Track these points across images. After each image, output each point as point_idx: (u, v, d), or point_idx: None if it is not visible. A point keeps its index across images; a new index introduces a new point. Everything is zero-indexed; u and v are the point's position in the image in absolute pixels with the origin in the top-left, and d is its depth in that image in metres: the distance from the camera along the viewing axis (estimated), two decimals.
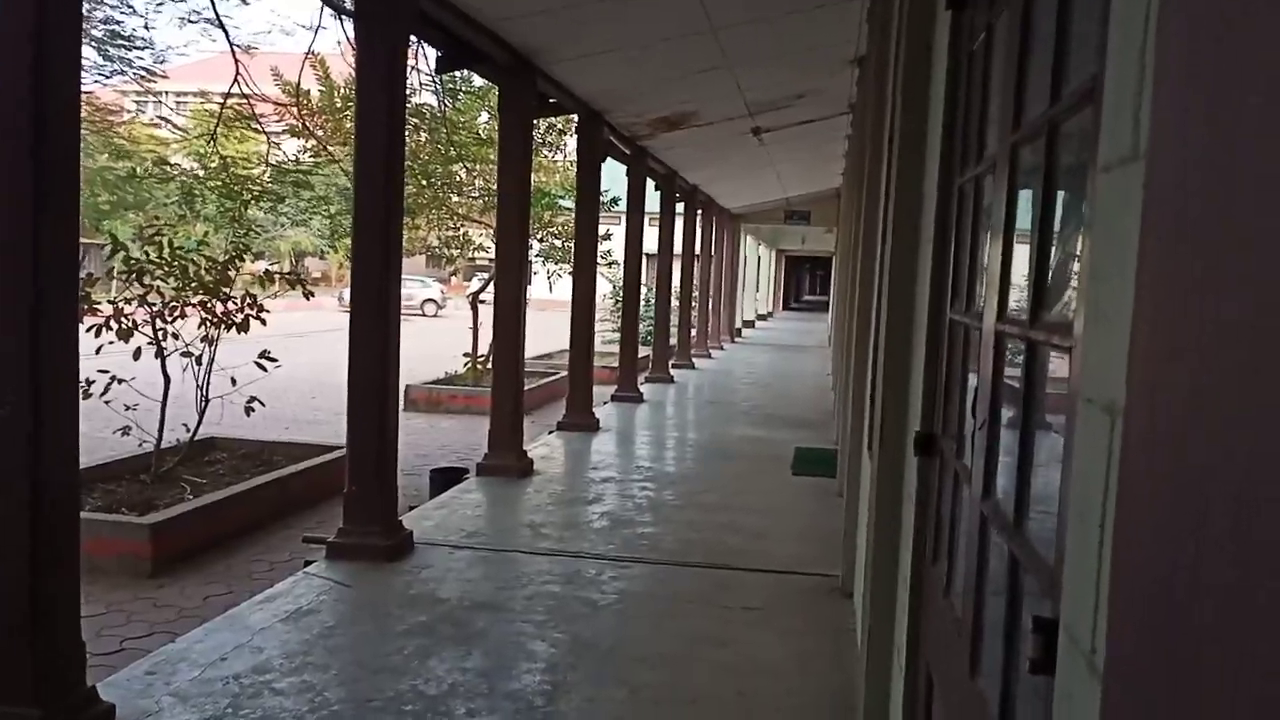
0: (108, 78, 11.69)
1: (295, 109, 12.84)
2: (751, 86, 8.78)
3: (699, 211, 17.78)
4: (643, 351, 14.37)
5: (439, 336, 20.48)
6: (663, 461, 8.96)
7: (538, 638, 4.29)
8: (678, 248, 15.73)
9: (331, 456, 7.78)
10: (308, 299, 8.76)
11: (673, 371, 14.98)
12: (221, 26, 8.32)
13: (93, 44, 11.58)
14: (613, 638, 4.35)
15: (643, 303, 15.76)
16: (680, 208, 15.86)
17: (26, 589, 3.17)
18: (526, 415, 8.33)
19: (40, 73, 3.09)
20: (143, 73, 11.63)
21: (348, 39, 9.33)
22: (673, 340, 16.14)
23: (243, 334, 7.49)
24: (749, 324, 29.72)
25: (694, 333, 18.44)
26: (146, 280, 7.13)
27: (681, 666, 4.05)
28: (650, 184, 13.02)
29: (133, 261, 7.10)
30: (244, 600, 4.65)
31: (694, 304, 18.77)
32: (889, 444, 3.32)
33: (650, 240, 13.70)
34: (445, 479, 7.38)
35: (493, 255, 8.25)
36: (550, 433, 9.58)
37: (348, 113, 12.30)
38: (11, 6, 3.10)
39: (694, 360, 17.17)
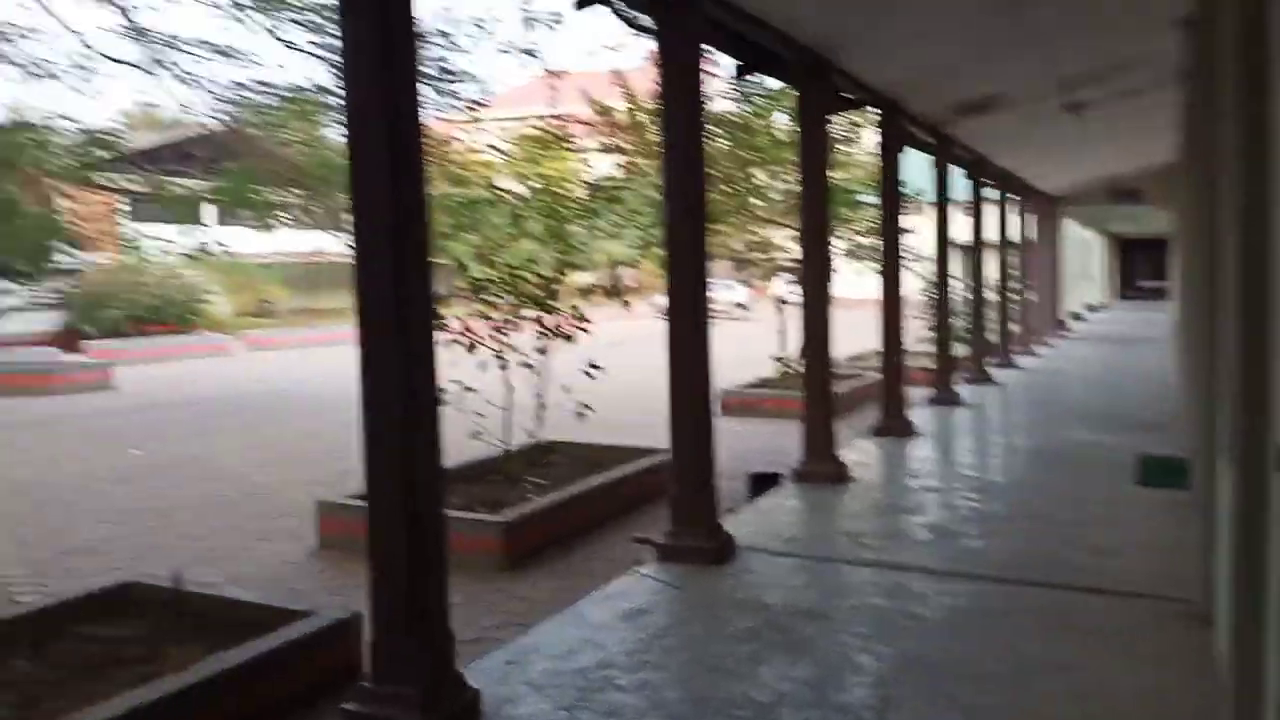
0: (441, 112, 12.90)
1: (604, 127, 13.59)
2: (1063, 60, 8.18)
3: (1013, 197, 16.79)
4: (959, 350, 13.79)
5: (748, 340, 20.76)
6: (987, 469, 8.58)
7: (863, 650, 4.27)
8: (991, 237, 14.94)
9: (656, 459, 8.16)
10: (625, 308, 9.26)
11: (993, 371, 14.24)
12: (533, 54, 8.91)
13: (428, 83, 12.86)
14: (942, 654, 4.24)
15: (958, 298, 15.12)
16: (992, 194, 15.06)
17: (405, 582, 3.60)
18: (839, 419, 8.29)
19: (392, 114, 3.47)
20: (471, 104, 12.74)
21: (648, 56, 9.74)
22: (992, 337, 15.36)
23: (570, 344, 8.06)
24: (1077, 316, 27.57)
25: (1015, 328, 17.43)
26: (486, 297, 7.87)
27: (1019, 689, 3.88)
28: (957, 171, 12.49)
29: (474, 280, 7.84)
30: (583, 597, 5.01)
31: (1013, 297, 17.72)
32: (1250, 453, 3.00)
33: (961, 230, 13.14)
34: (762, 483, 7.52)
35: (796, 256, 8.28)
36: (864, 437, 9.46)
37: (652, 127, 12.79)
38: (362, 54, 3.50)
39: (1016, 358, 16.22)
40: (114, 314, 25.42)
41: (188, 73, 10.96)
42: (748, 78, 8.53)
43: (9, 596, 6.00)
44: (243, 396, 16.36)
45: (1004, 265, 16.46)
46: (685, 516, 5.58)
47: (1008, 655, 4.23)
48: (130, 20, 10.24)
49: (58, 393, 16.26)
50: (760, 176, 14.57)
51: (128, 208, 25.07)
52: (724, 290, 35.44)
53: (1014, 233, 17.35)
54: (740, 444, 10.70)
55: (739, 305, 36.96)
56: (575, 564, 6.57)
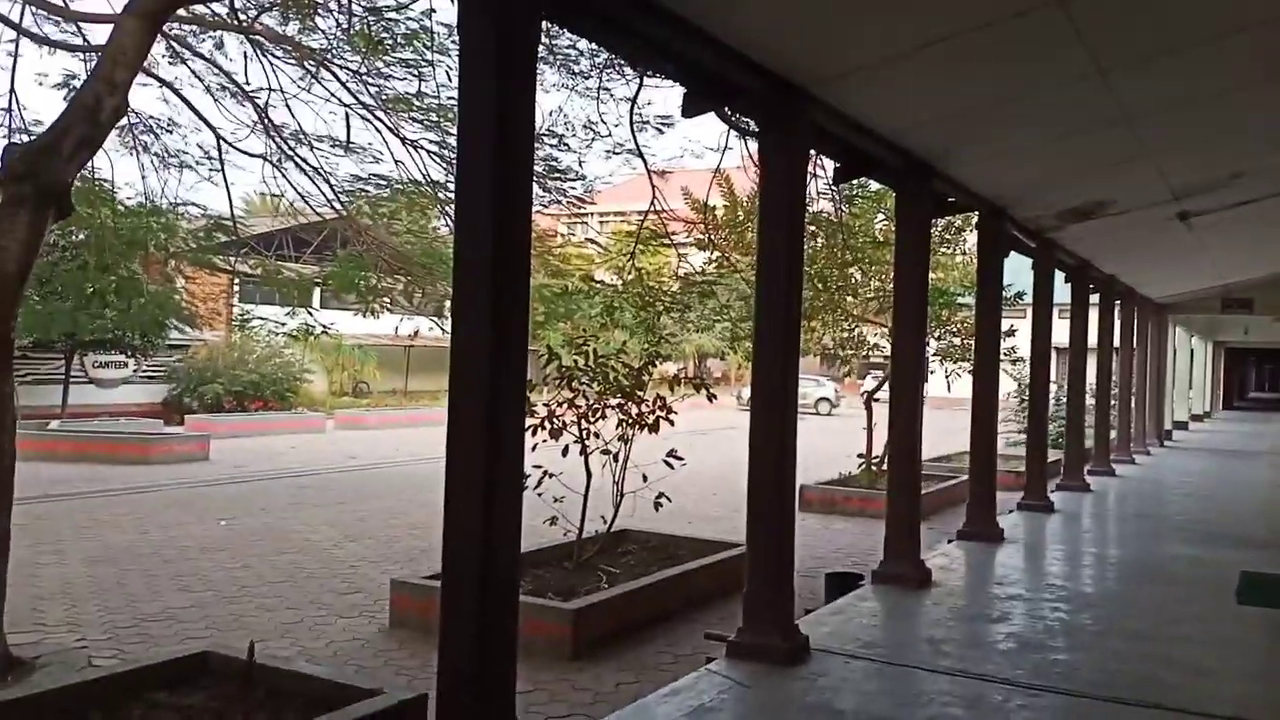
0: (546, 207, 13.28)
1: (702, 224, 13.79)
2: (1176, 171, 8.07)
3: (1117, 302, 16.37)
4: (1053, 455, 13.34)
5: (833, 436, 20.50)
6: (1078, 580, 8.19)
7: None
8: (1092, 342, 14.55)
9: (731, 554, 8.03)
10: (710, 401, 9.24)
11: (1089, 478, 13.71)
12: (641, 156, 9.16)
13: (536, 179, 13.29)
14: None
15: (1053, 401, 14.71)
16: (1094, 299, 14.72)
17: (473, 665, 3.58)
18: (924, 521, 8.06)
19: (501, 209, 3.59)
20: (575, 201, 13.10)
21: (750, 157, 9.92)
22: (1089, 443, 14.84)
23: (653, 434, 8.06)
24: (1181, 425, 26.49)
25: (1114, 435, 16.81)
26: (574, 384, 7.96)
27: None
28: (1059, 275, 12.27)
29: (563, 368, 7.95)
30: (651, 691, 4.90)
31: (1113, 403, 17.15)
32: None
33: (1060, 334, 12.84)
34: (840, 584, 7.32)
35: (888, 354, 8.19)
36: (950, 541, 9.16)
37: (750, 225, 12.92)
38: (479, 154, 3.65)
39: (1114, 466, 15.60)
40: (216, 389, 26.44)
41: (310, 166, 11.57)
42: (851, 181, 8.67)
43: (88, 659, 6.15)
44: (331, 473, 16.73)
45: (1104, 370, 15.98)
46: (760, 614, 5.45)
47: None
48: (264, 116, 10.90)
49: (156, 462, 16.87)
50: (856, 275, 14.55)
51: (241, 289, 26.30)
52: (812, 385, 35.18)
53: (1117, 338, 16.87)
54: (820, 542, 10.49)
55: (826, 401, 36.60)
56: (644, 656, 6.45)
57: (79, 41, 9.71)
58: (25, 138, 9.26)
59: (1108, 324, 15.89)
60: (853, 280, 14.67)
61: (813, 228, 12.63)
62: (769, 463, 5.51)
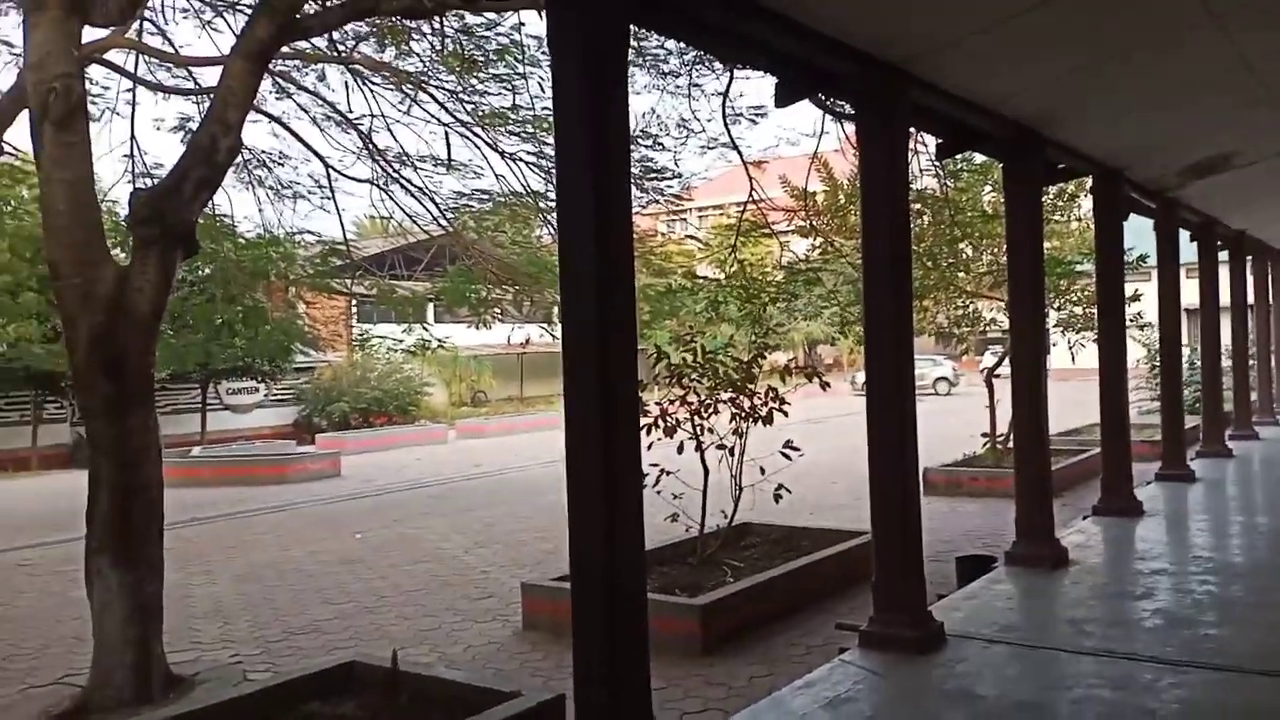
0: (644, 207, 13.35)
1: (803, 211, 13.63)
2: None
3: (1249, 259, 15.52)
4: (1190, 422, 12.73)
5: (954, 416, 20.03)
6: (1226, 551, 7.81)
7: None
8: (1224, 300, 13.83)
9: (857, 542, 7.94)
10: (824, 389, 9.14)
11: (1230, 444, 13.03)
12: (736, 148, 9.12)
13: (633, 181, 13.36)
14: None
15: (1186, 366, 14.04)
16: (1223, 256, 13.98)
17: (608, 665, 3.64)
18: (1056, 498, 7.80)
19: (600, 215, 3.63)
20: (673, 199, 13.13)
21: (848, 139, 9.78)
22: (1227, 407, 14.11)
23: (767, 426, 8.02)
24: None
25: (1254, 397, 15.94)
26: (684, 381, 7.99)
27: None
28: (1184, 235, 11.70)
29: (672, 366, 7.99)
30: (784, 683, 4.89)
31: (1252, 364, 16.26)
32: None
33: (1190, 295, 12.25)
34: (972, 567, 7.16)
35: (1006, 328, 7.95)
36: (1085, 518, 8.84)
37: (852, 207, 12.73)
38: (575, 159, 3.70)
39: (1257, 429, 14.79)
40: (342, 407, 27.45)
41: (415, 186, 11.94)
42: (953, 153, 8.43)
43: (243, 674, 6.48)
44: (455, 481, 17.19)
45: (1239, 329, 15.16)
46: (890, 602, 5.37)
47: None
48: (368, 141, 11.29)
49: (292, 481, 17.62)
50: (967, 250, 14.19)
51: (358, 309, 27.26)
52: (929, 366, 34.40)
53: (1251, 295, 15.99)
54: (948, 526, 10.27)
55: (944, 380, 35.74)
56: (775, 650, 6.43)
57: (191, 85, 10.22)
58: (148, 182, 9.81)
59: (1239, 281, 15.07)
60: (963, 256, 14.31)
61: (918, 206, 12.36)
62: (890, 447, 5.42)
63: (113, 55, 9.13)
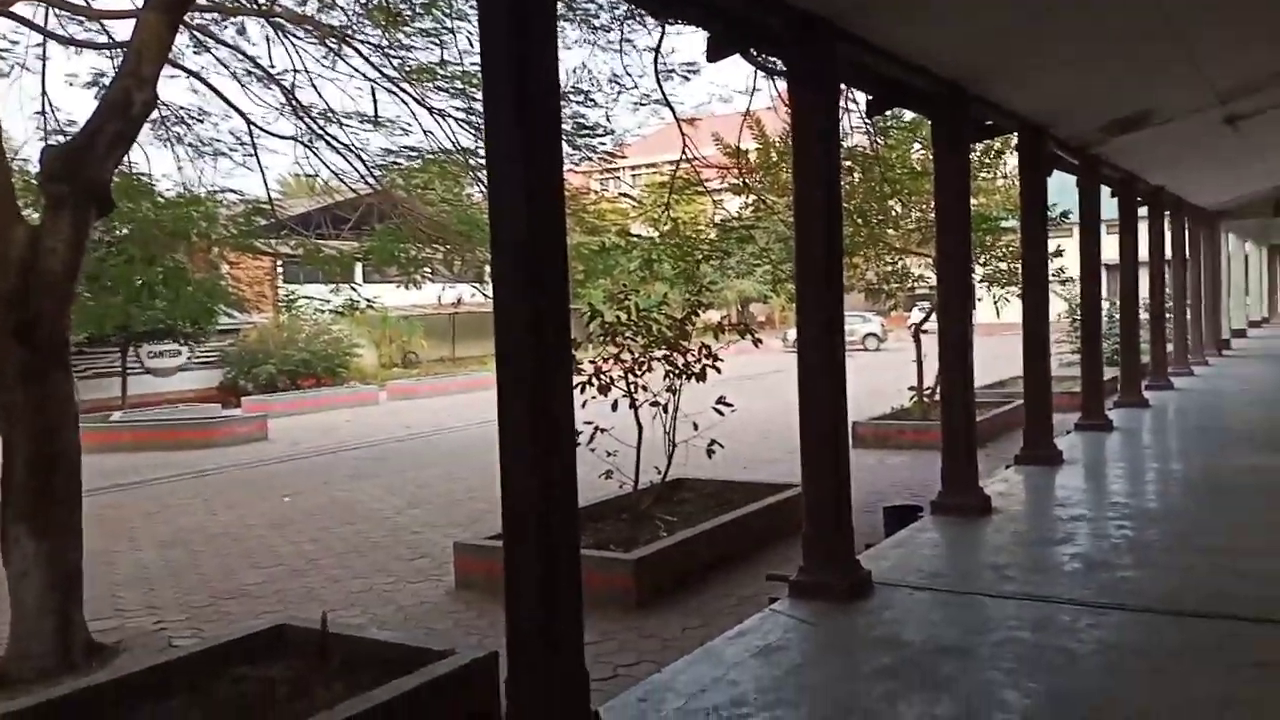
0: (576, 165, 13.20)
1: (735, 169, 13.63)
2: (1221, 75, 7.79)
3: (1166, 214, 15.97)
4: (1109, 374, 13.12)
5: (882, 371, 20.36)
6: (1142, 497, 8.10)
7: (1010, 687, 4.07)
8: (1143, 256, 14.23)
9: (787, 495, 8.05)
10: (756, 346, 9.20)
11: (1147, 394, 13.48)
12: (669, 105, 9.05)
13: (564, 138, 13.18)
14: (1096, 693, 4.00)
15: (1106, 320, 14.44)
16: (1143, 211, 14.37)
17: (541, 619, 3.65)
18: (980, 449, 7.99)
19: (531, 172, 3.56)
20: (605, 156, 13.00)
21: (780, 97, 9.76)
22: (1145, 359, 14.57)
23: (701, 383, 8.06)
24: (1239, 333, 25.93)
25: (1170, 349, 16.49)
26: (618, 340, 7.97)
27: None
28: (1105, 191, 11.98)
29: (606, 324, 7.96)
30: (717, 635, 4.95)
31: (1169, 316, 16.80)
32: None
33: (1110, 250, 12.57)
34: (899, 517, 7.31)
35: (933, 285, 8.08)
36: (1008, 467, 9.08)
37: (784, 165, 12.75)
38: (502, 115, 3.61)
39: (1173, 380, 15.33)
40: (269, 369, 26.87)
41: (341, 143, 11.62)
42: (883, 110, 8.48)
43: (168, 640, 6.36)
44: (387, 443, 17.00)
45: (1157, 283, 15.64)
46: (819, 552, 5.47)
47: (1167, 692, 3.96)
48: (292, 98, 10.94)
49: (218, 445, 17.24)
50: (896, 207, 14.33)
51: (284, 270, 26.62)
52: (858, 322, 34.88)
53: (1168, 250, 16.48)
54: (875, 477, 10.47)
55: (873, 336, 36.30)
56: (707, 602, 6.51)
57: (104, 40, 9.79)
58: (60, 139, 9.39)
59: (1157, 236, 15.53)
60: (893, 213, 14.46)
61: (848, 163, 12.43)
62: (818, 400, 5.50)
63: (21, 9, 8.70)
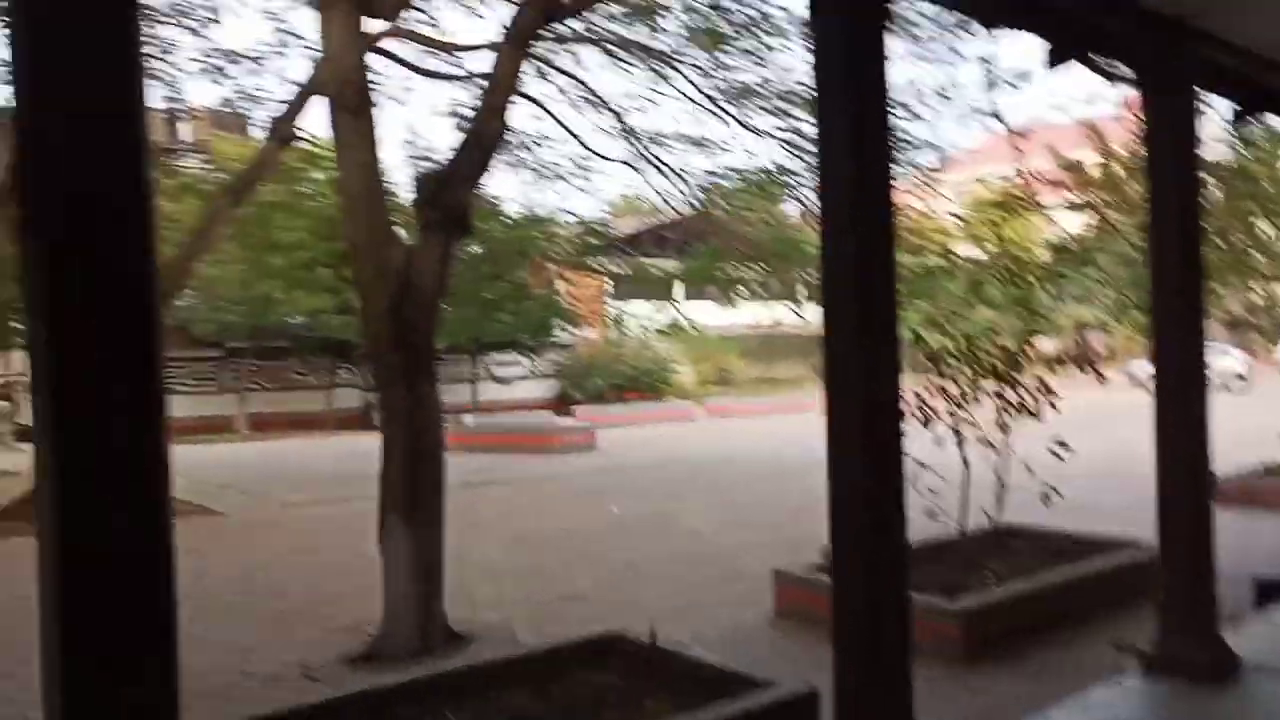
0: (898, 181, 12.92)
1: (1072, 183, 12.74)
2: None
3: None
4: None
5: (1247, 415, 18.07)
6: None
7: None
8: None
9: (1133, 553, 7.36)
10: (1099, 381, 8.50)
11: None
12: (998, 117, 8.64)
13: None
14: None
15: None
16: None
17: (871, 664, 3.56)
18: None
19: (863, 198, 3.50)
20: (928, 171, 12.63)
21: (1126, 106, 9.00)
22: None
23: (1035, 419, 7.55)
24: None
25: None
26: (942, 368, 7.66)
27: None
28: None
29: (930, 352, 7.68)
30: (1054, 703, 4.62)
31: None
32: None
33: None
34: (1272, 591, 6.45)
35: None
36: None
37: (1129, 180, 11.78)
38: (834, 136, 3.60)
39: None
40: (597, 382, 28.53)
41: (666, 165, 12.16)
42: (1249, 119, 7.59)
43: (513, 635, 6.90)
44: (707, 460, 17.44)
45: None
46: (1176, 622, 4.94)
47: None
48: (622, 122, 11.60)
49: (552, 453, 18.52)
50: (1263, 228, 12.78)
51: (612, 287, 28.23)
52: (1218, 356, 31.22)
53: None
54: (1242, 542, 9.24)
55: (1237, 376, 32.30)
56: (1041, 663, 6.08)
57: (458, 71, 10.74)
58: (423, 165, 10.48)
59: None
60: (1261, 235, 12.88)
61: (1208, 176, 11.22)
62: (1179, 449, 4.98)
63: (388, 44, 9.66)
